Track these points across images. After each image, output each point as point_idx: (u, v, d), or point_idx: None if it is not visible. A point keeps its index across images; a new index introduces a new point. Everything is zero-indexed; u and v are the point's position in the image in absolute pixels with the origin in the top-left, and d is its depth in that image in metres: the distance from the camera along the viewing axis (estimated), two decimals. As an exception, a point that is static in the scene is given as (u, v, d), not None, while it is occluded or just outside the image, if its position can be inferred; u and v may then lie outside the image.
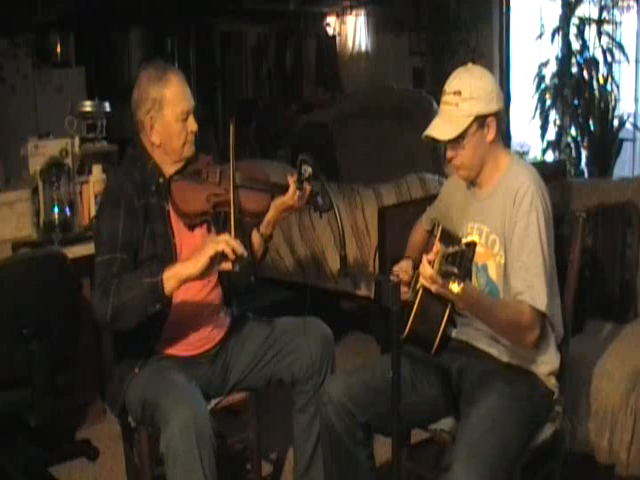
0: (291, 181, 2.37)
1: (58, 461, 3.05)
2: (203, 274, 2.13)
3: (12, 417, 2.69)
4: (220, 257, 2.09)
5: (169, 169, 2.36)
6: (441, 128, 2.11)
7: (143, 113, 2.31)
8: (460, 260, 1.66)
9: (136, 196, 2.28)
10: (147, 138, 2.34)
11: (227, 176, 2.31)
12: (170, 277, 2.12)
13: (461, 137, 2.08)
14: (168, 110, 2.29)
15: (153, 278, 2.13)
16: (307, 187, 2.38)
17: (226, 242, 2.08)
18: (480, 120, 2.08)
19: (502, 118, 2.15)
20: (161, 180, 2.34)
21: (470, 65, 2.18)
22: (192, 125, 2.33)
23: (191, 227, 2.37)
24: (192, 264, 2.11)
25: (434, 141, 2.11)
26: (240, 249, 2.09)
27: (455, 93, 2.08)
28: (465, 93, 2.07)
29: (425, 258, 1.80)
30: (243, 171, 2.37)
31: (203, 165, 2.40)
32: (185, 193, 2.33)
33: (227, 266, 2.11)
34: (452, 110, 2.09)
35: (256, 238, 2.50)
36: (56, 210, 3.18)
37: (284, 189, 2.37)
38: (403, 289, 2.24)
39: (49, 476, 2.96)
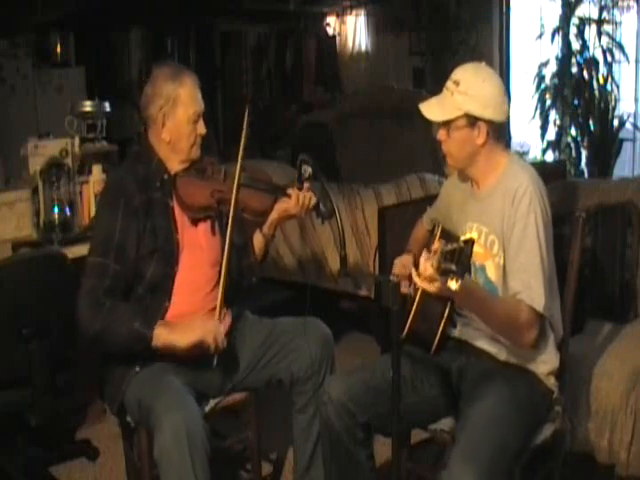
0: (293, 193, 2.38)
1: (58, 461, 3.05)
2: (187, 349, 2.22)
3: (12, 417, 2.69)
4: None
5: (174, 167, 2.37)
6: (432, 107, 2.13)
7: (156, 108, 2.31)
8: (458, 257, 1.66)
9: (137, 192, 2.28)
10: (157, 134, 2.35)
11: (232, 175, 2.32)
12: (159, 337, 2.18)
13: (447, 125, 2.10)
14: (181, 109, 2.31)
15: (144, 327, 2.18)
16: (311, 198, 2.39)
17: (215, 338, 2.19)
18: (471, 119, 2.08)
19: (498, 130, 2.13)
20: (166, 176, 2.35)
21: (483, 64, 2.18)
22: (201, 128, 2.35)
23: (194, 222, 2.37)
24: (181, 338, 2.19)
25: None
26: (223, 345, 2.21)
27: (455, 82, 2.09)
28: (462, 86, 2.07)
29: (423, 257, 1.79)
30: (248, 171, 2.38)
31: (208, 164, 2.42)
32: (190, 187, 2.34)
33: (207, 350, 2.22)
34: (447, 96, 2.11)
35: (258, 238, 2.51)
36: (56, 210, 3.18)
37: (287, 194, 2.38)
38: (403, 283, 2.24)
39: (49, 476, 2.96)
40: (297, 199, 2.38)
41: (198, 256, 2.37)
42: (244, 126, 2.32)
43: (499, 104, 2.10)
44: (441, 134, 2.13)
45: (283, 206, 2.40)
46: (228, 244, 2.28)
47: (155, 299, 2.31)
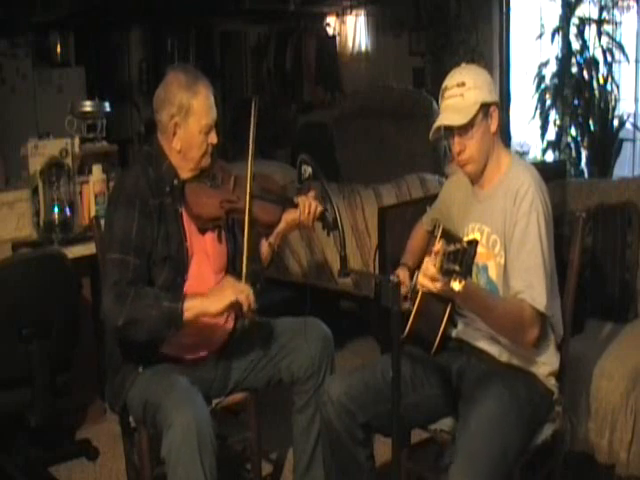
0: (300, 201, 2.38)
1: (58, 461, 3.05)
2: (220, 315, 2.20)
3: (12, 417, 2.69)
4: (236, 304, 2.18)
5: (184, 174, 2.35)
6: (451, 117, 2.12)
7: (167, 116, 2.29)
8: (462, 258, 1.66)
9: (150, 195, 2.27)
10: (167, 141, 2.33)
11: (241, 183, 2.31)
12: (190, 309, 2.15)
13: (470, 125, 2.10)
14: (193, 120, 2.28)
15: (173, 303, 2.14)
16: (317, 206, 2.39)
17: (246, 296, 2.16)
18: (485, 109, 2.11)
19: (500, 110, 2.18)
20: (175, 182, 2.33)
21: (464, 64, 2.24)
22: (213, 138, 2.32)
23: (202, 231, 2.36)
24: (213, 303, 2.16)
25: (446, 129, 2.12)
26: (254, 305, 2.17)
27: (459, 85, 2.11)
28: (469, 83, 2.10)
29: (427, 258, 1.80)
30: (257, 181, 2.35)
31: (218, 169, 2.40)
32: (199, 196, 2.32)
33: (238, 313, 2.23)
34: (458, 101, 2.11)
35: (265, 247, 2.51)
36: (56, 210, 3.18)
37: (294, 204, 2.38)
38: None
39: (49, 476, 2.96)
40: (304, 207, 2.37)
41: (204, 263, 2.36)
42: (252, 123, 2.28)
43: (493, 85, 2.17)
44: (458, 143, 2.12)
45: (291, 216, 2.40)
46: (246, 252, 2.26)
47: None
